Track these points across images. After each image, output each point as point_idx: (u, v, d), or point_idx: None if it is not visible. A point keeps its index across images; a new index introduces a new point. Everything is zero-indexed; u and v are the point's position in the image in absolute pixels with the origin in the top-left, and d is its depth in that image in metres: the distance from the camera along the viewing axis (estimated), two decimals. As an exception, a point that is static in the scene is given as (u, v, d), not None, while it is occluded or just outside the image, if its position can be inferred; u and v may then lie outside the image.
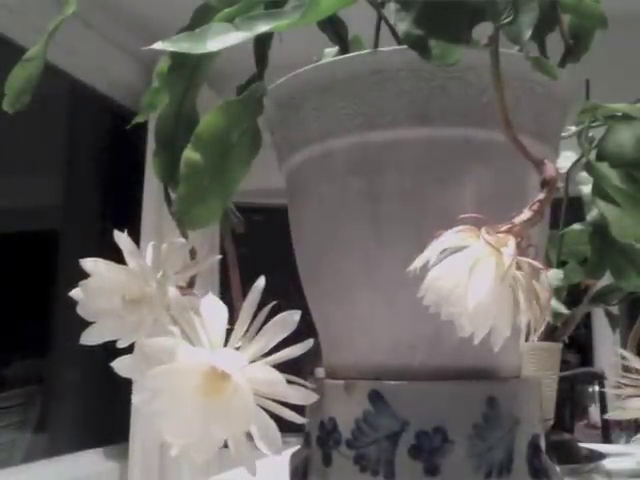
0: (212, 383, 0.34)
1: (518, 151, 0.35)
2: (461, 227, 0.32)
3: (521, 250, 0.32)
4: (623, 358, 0.62)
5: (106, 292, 0.41)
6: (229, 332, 0.37)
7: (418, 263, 0.31)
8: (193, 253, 0.45)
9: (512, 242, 0.31)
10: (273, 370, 0.35)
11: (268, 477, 0.46)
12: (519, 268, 0.31)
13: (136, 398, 0.34)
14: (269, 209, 2.02)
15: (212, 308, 0.36)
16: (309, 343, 0.35)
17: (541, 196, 0.33)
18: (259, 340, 0.36)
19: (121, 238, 0.41)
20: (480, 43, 0.39)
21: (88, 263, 0.41)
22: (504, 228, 0.32)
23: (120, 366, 0.37)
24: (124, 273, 0.41)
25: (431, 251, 0.31)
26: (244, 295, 0.40)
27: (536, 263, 0.31)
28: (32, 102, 0.44)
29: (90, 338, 0.41)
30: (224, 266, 0.44)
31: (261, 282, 0.37)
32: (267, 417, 0.35)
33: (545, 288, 0.31)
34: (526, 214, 0.32)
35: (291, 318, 0.36)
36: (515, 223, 0.32)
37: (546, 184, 0.33)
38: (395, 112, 0.40)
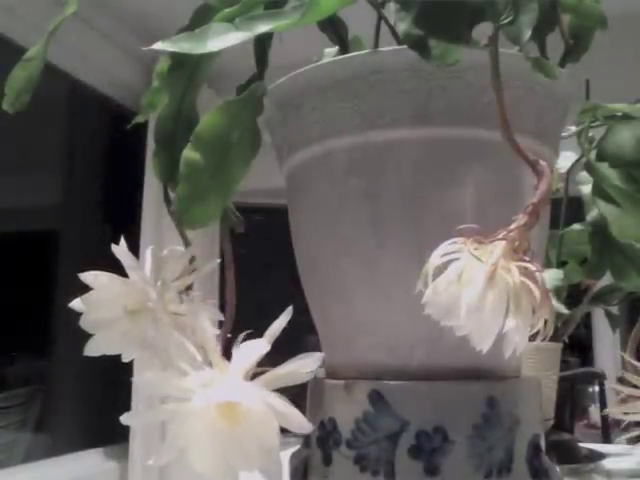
0: (232, 417, 0.34)
1: (514, 151, 0.35)
2: (455, 239, 0.32)
3: (517, 254, 0.32)
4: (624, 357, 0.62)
5: (107, 304, 0.41)
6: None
7: (420, 284, 0.32)
8: (192, 258, 0.45)
9: (498, 250, 0.31)
10: (291, 407, 0.35)
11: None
12: (509, 271, 0.31)
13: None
14: (269, 209, 2.02)
15: (250, 347, 0.36)
16: (313, 373, 0.35)
17: (535, 198, 0.33)
18: (279, 371, 0.36)
19: (120, 251, 0.40)
20: (480, 43, 0.39)
21: (89, 277, 0.40)
22: (500, 235, 0.32)
23: (142, 382, 0.36)
24: (125, 284, 0.41)
25: (429, 267, 0.32)
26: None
27: (530, 265, 0.31)
28: (32, 102, 0.44)
29: (93, 350, 0.41)
30: (224, 265, 0.44)
31: (289, 311, 0.36)
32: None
33: (542, 290, 0.31)
34: (521, 218, 0.33)
35: (313, 360, 0.36)
36: (511, 228, 0.32)
37: (540, 186, 0.33)
38: (395, 112, 0.40)
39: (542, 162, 0.34)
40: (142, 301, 0.41)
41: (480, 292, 0.30)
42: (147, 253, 0.43)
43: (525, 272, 0.31)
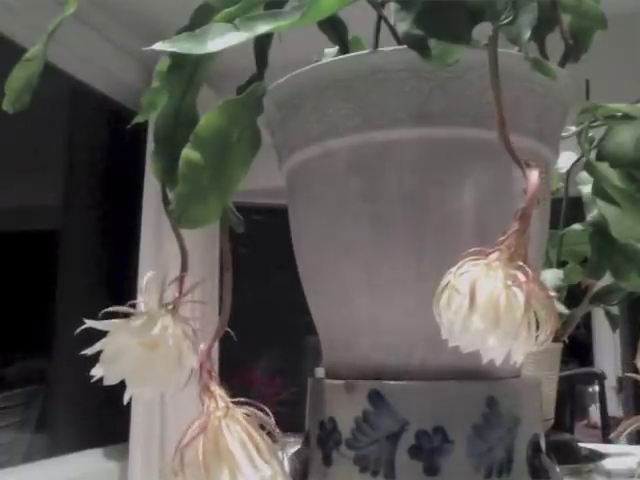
0: None
1: (507, 152, 0.35)
2: (458, 263, 0.33)
3: (513, 262, 0.32)
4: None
5: (124, 341, 0.40)
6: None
7: (436, 315, 0.33)
8: (182, 278, 0.44)
9: (475, 273, 0.32)
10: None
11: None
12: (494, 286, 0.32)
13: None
14: (269, 209, 2.02)
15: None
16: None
17: (524, 202, 0.33)
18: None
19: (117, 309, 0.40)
20: (480, 43, 0.39)
21: (99, 326, 0.40)
22: (498, 243, 0.33)
23: None
24: (134, 323, 0.41)
25: (435, 299, 0.33)
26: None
27: (519, 273, 0.32)
28: (32, 102, 0.44)
29: (112, 378, 0.41)
30: (223, 266, 0.44)
31: None
32: None
33: (544, 295, 0.32)
34: (514, 225, 0.33)
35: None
36: (503, 238, 0.33)
37: (529, 190, 0.33)
38: (395, 112, 0.40)
39: (532, 164, 0.34)
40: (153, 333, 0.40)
41: (464, 315, 0.32)
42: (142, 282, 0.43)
43: (515, 280, 0.32)
